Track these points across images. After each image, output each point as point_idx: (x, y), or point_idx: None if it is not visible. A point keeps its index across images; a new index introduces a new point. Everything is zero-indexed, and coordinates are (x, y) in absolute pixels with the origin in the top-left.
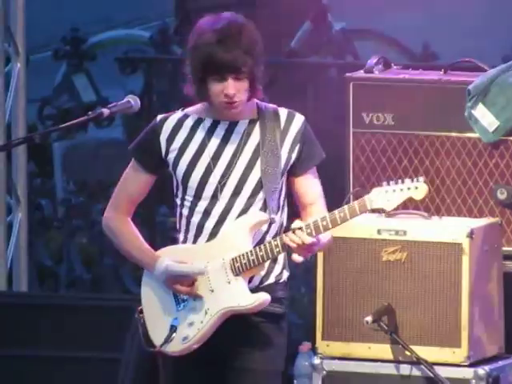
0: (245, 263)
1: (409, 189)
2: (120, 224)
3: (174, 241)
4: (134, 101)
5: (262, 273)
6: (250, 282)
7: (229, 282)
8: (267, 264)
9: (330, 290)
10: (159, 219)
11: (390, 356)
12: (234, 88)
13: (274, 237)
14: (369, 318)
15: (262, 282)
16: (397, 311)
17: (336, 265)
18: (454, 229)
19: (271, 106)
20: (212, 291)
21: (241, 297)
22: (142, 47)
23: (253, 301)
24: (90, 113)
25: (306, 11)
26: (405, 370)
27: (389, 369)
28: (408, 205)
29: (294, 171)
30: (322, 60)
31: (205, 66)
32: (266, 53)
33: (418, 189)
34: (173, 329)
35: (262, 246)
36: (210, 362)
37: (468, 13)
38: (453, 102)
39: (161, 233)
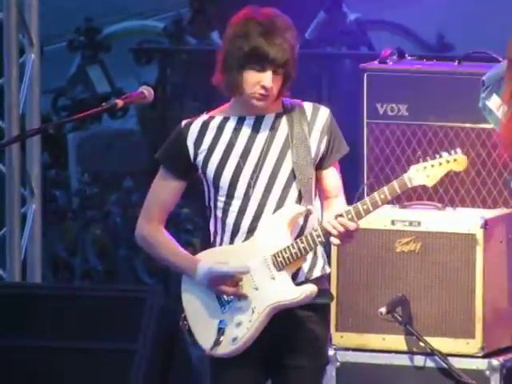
0: (287, 257)
1: (448, 162)
2: (154, 232)
3: (188, 232)
4: (147, 91)
5: (305, 266)
6: (295, 277)
7: (273, 278)
8: (309, 256)
9: (344, 281)
10: (172, 210)
11: (404, 347)
12: (271, 81)
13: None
14: (383, 309)
15: (307, 276)
16: (411, 302)
17: (350, 256)
18: (467, 219)
19: (295, 100)
20: (256, 289)
21: (287, 291)
22: (156, 38)
23: (299, 293)
24: (104, 104)
25: (320, 2)
26: (419, 361)
27: (403, 360)
28: (422, 196)
29: (321, 163)
30: (336, 51)
31: (247, 55)
32: None
33: (457, 161)
34: (221, 331)
35: (304, 238)
36: (263, 361)
37: (483, 4)
38: (467, 93)
39: (174, 225)
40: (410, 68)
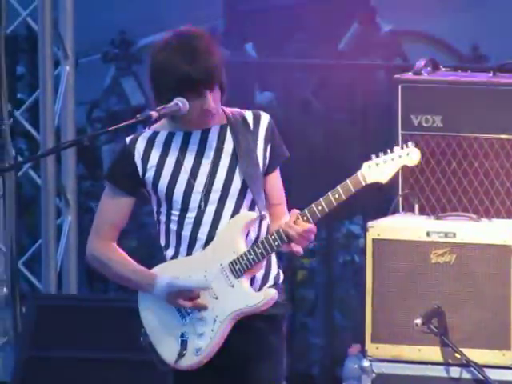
0: (245, 264)
1: (400, 157)
2: (107, 251)
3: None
4: (182, 103)
5: (259, 275)
6: (251, 285)
7: (232, 286)
8: (265, 263)
9: (380, 292)
10: None
11: (440, 358)
12: (213, 102)
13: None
14: (418, 321)
15: (262, 284)
16: (446, 313)
17: (385, 267)
18: (503, 230)
19: (234, 110)
20: (216, 298)
21: (248, 297)
22: None
23: (261, 298)
24: (138, 115)
25: (354, 13)
26: (454, 372)
27: (438, 371)
28: (457, 207)
29: (265, 170)
30: (370, 62)
31: (178, 88)
32: (315, 55)
33: (410, 155)
34: (183, 343)
35: (260, 244)
36: (218, 371)
37: None
38: (502, 104)
39: None
40: (445, 79)
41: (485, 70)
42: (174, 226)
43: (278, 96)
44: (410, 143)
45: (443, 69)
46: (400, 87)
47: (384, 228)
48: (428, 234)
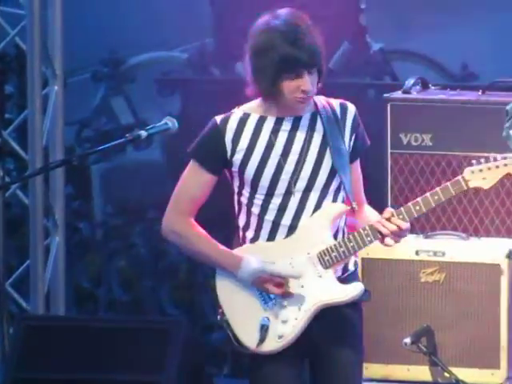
0: (335, 256)
1: (505, 165)
2: (187, 226)
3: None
4: (171, 122)
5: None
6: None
7: (320, 276)
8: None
9: (369, 312)
10: None
11: (429, 378)
12: (310, 83)
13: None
14: (407, 340)
15: (344, 271)
16: (436, 332)
17: (375, 286)
18: (492, 249)
19: (321, 97)
20: (302, 287)
21: (334, 289)
22: (179, 68)
23: (348, 292)
24: (127, 135)
25: (344, 32)
26: None
27: None
28: (446, 225)
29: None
30: (360, 81)
31: (280, 66)
32: None
33: None
34: (264, 328)
35: (352, 237)
36: (302, 355)
37: (506, 33)
38: (491, 123)
39: None
40: (434, 98)
41: (474, 88)
42: (256, 210)
43: None
44: (510, 154)
45: (432, 87)
46: (389, 106)
47: (373, 247)
48: (417, 252)
